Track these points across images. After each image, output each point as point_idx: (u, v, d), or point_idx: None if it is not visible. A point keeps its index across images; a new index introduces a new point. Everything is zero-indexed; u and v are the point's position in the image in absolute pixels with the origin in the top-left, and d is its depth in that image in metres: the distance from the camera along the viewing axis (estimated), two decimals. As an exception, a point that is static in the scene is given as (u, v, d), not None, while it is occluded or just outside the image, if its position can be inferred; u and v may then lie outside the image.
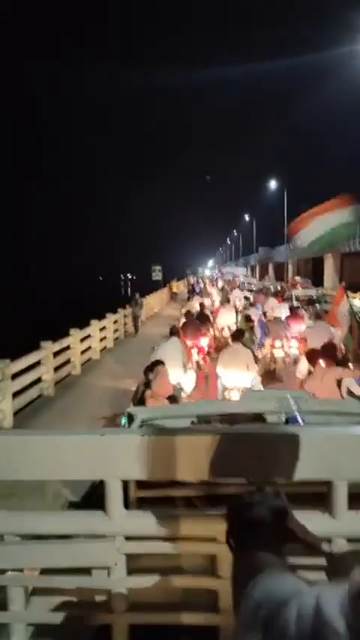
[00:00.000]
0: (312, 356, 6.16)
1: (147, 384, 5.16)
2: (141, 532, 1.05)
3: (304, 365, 7.93)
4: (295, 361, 9.83)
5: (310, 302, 17.50)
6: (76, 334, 11.21)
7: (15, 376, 7.73)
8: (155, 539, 1.05)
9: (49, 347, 9.38)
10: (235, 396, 6.51)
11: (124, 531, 1.04)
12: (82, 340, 11.85)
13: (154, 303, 26.93)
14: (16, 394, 7.73)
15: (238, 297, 18.93)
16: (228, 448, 1.00)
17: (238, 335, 7.74)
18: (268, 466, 1.01)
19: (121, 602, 1.05)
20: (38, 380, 8.86)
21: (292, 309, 12.65)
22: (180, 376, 7.25)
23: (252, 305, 15.77)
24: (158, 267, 35.91)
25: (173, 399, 5.00)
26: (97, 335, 13.36)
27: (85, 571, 1.09)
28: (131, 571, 1.07)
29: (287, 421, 1.33)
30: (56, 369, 9.73)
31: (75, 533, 1.09)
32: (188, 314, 12.61)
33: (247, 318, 10.79)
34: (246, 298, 20.00)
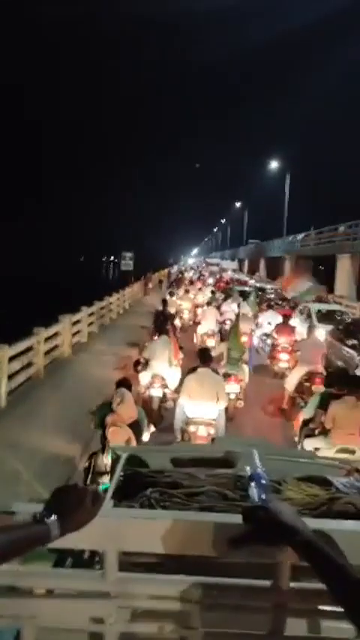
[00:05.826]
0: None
1: (110, 406, 4.62)
2: (133, 592, 1.35)
3: (294, 378, 8.28)
4: (283, 375, 9.72)
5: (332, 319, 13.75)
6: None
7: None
8: (146, 597, 1.35)
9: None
10: (202, 431, 5.85)
11: (118, 591, 1.33)
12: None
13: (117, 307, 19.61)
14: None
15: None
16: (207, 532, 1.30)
17: (206, 356, 6.28)
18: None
19: None
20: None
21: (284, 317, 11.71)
22: (165, 371, 7.84)
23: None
24: (129, 255, 28.60)
25: (137, 425, 4.79)
26: None
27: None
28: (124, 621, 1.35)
29: (251, 477, 1.42)
30: None
31: (77, 590, 1.32)
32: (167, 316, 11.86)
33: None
34: (212, 292, 18.11)
